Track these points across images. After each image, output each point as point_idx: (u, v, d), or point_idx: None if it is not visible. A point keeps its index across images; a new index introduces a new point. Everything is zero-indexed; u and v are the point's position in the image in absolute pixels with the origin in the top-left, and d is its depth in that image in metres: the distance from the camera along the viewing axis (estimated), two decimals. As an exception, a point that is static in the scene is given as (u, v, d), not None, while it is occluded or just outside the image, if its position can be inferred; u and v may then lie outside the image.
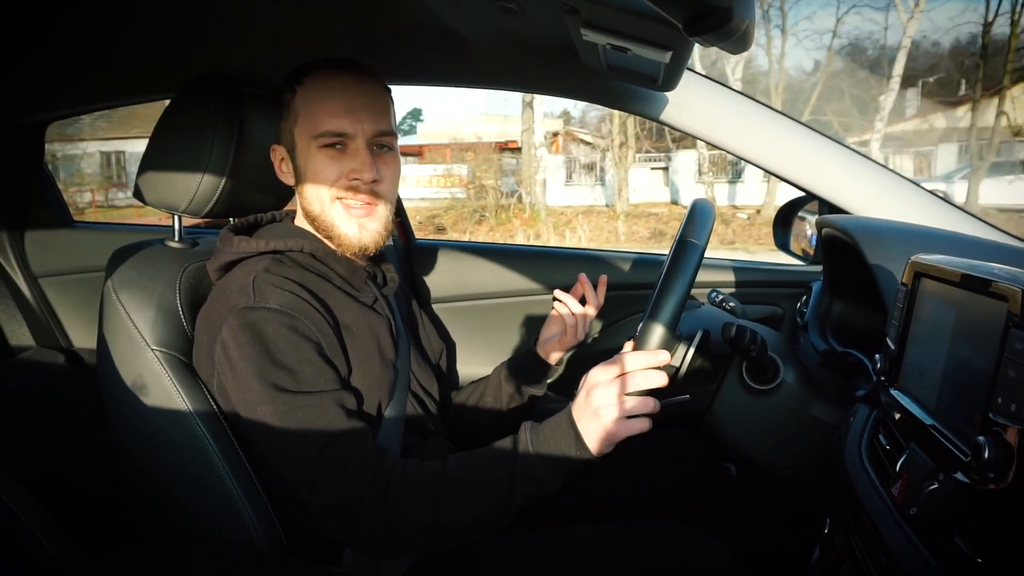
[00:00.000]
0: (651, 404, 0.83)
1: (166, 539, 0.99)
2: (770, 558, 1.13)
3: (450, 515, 0.84)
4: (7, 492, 0.62)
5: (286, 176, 1.05)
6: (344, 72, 0.99)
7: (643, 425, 0.83)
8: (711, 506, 1.15)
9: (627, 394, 0.82)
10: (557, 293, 1.19)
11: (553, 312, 1.21)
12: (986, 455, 0.53)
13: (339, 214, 0.99)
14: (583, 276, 1.18)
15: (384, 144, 1.01)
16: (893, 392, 0.78)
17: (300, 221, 1.06)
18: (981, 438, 0.54)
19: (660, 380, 0.83)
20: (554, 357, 1.21)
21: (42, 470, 1.18)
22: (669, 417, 0.91)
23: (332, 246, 1.02)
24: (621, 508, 1.12)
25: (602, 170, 16.59)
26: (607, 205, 15.32)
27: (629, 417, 0.82)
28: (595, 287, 1.19)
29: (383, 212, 1.02)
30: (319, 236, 1.03)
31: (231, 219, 1.09)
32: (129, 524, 1.02)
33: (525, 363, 1.22)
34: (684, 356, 0.89)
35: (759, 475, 1.20)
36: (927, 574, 0.61)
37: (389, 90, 1.05)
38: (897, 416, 0.75)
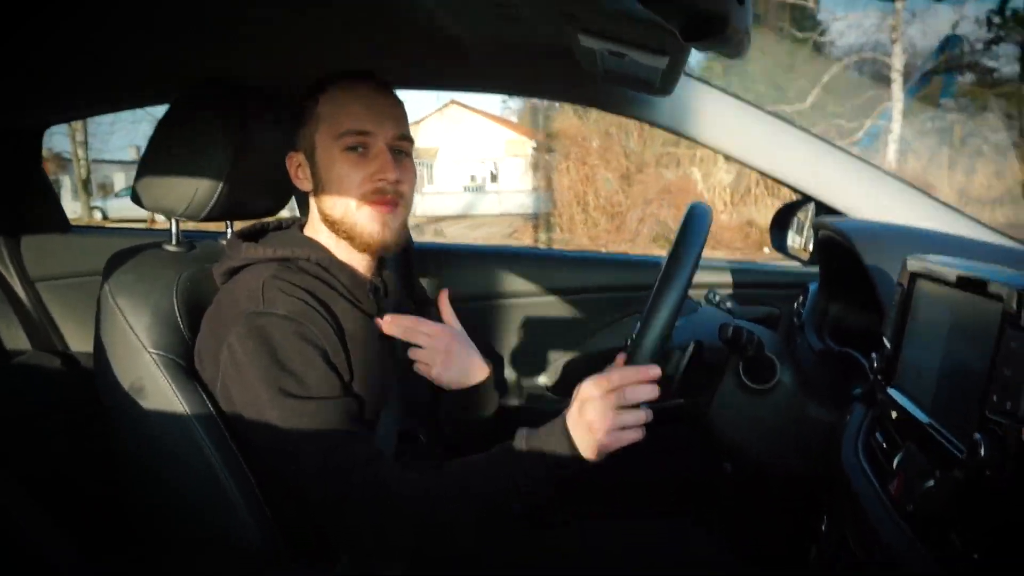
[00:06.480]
0: (643, 416, 0.84)
1: (164, 541, 0.99)
2: (767, 555, 1.14)
3: (447, 523, 0.85)
4: (5, 495, 0.62)
5: (302, 182, 1.05)
6: (366, 81, 1.02)
7: (636, 436, 0.84)
8: (708, 504, 1.16)
9: (619, 407, 0.83)
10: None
11: None
12: (982, 452, 0.54)
13: (364, 213, 1.00)
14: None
15: (402, 149, 1.03)
16: (890, 391, 0.78)
17: (309, 230, 1.06)
18: (977, 436, 0.55)
19: (652, 394, 0.84)
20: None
21: (40, 473, 1.18)
22: (666, 417, 0.92)
23: (341, 256, 1.02)
24: (618, 506, 1.13)
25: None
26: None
27: (622, 429, 0.83)
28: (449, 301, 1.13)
29: (403, 212, 1.03)
30: (325, 246, 1.03)
31: (226, 223, 1.09)
32: (127, 526, 1.02)
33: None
34: (678, 366, 0.89)
35: (756, 474, 1.20)
36: (923, 570, 0.62)
37: (403, 103, 1.07)
38: (893, 415, 0.76)
